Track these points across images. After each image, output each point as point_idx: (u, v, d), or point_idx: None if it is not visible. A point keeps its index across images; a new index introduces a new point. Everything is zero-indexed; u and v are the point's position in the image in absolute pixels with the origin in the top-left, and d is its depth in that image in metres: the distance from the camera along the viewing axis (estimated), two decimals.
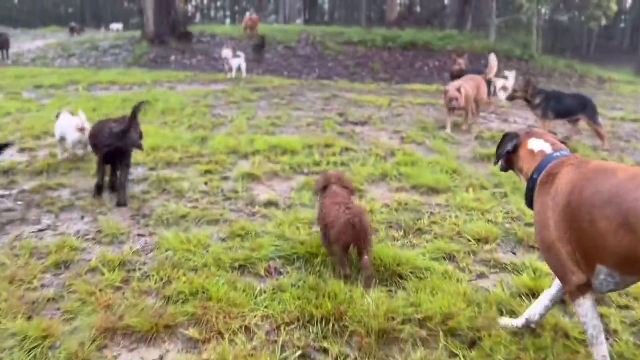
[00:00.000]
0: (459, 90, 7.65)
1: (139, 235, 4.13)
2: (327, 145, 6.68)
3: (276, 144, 6.59)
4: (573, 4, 26.73)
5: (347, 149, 6.60)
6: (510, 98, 7.94)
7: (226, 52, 13.83)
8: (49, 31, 34.68)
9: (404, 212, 4.60)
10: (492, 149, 6.73)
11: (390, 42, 21.28)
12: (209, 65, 16.78)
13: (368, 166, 5.84)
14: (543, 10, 25.37)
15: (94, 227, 4.22)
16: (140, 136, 5.20)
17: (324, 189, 3.73)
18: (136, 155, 5.56)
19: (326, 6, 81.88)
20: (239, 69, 13.66)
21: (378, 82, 14.77)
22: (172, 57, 17.36)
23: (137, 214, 4.56)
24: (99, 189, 4.92)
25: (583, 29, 45.38)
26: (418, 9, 75.45)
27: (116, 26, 41.84)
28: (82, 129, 5.80)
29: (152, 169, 5.88)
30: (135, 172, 5.70)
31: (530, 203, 2.61)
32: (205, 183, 5.40)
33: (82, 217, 4.47)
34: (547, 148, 2.63)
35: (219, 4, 77.41)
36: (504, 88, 10.62)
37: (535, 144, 2.69)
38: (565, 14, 26.68)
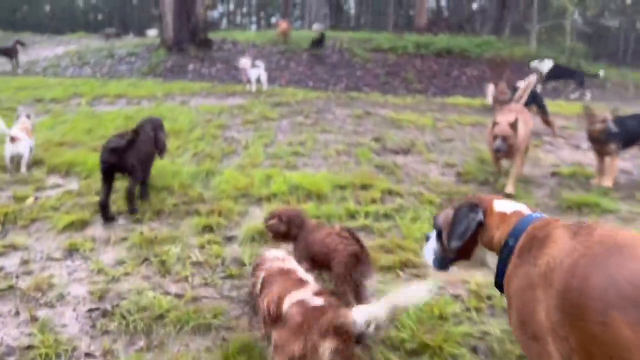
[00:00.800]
0: (513, 126, 5.00)
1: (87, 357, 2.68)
2: (364, 186, 5.16)
3: (298, 184, 5.09)
4: (620, 7, 24.69)
5: (389, 192, 5.06)
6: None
7: (244, 62, 12.28)
8: (76, 37, 33.94)
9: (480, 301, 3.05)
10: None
11: (422, 48, 19.65)
12: (229, 75, 15.41)
13: (422, 221, 4.29)
14: (588, 14, 23.43)
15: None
16: (163, 148, 5.13)
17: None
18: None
19: (352, 11, 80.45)
20: (258, 80, 12.20)
21: (413, 95, 13.20)
22: (191, 66, 16.06)
23: (96, 309, 3.11)
24: (103, 209, 4.51)
25: (619, 33, 42.97)
26: (445, 13, 73.28)
27: (152, 32, 41.11)
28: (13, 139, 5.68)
29: (136, 221, 4.45)
30: (116, 225, 4.31)
31: (501, 281, 1.95)
32: (202, 247, 3.94)
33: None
34: (524, 208, 2.06)
35: (245, 10, 76.67)
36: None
37: (506, 205, 2.09)
38: (612, 18, 24.69)
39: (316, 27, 23.99)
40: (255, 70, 12.21)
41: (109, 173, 4.58)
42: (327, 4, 48.48)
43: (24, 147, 5.77)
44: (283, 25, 21.47)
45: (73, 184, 5.46)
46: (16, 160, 5.78)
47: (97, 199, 4.67)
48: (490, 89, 10.21)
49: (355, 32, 33.66)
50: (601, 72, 15.35)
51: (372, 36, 23.78)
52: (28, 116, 6.40)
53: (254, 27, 76.44)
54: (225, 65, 16.59)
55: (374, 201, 4.80)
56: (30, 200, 4.98)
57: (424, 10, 42.58)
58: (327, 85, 14.92)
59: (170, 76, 14.88)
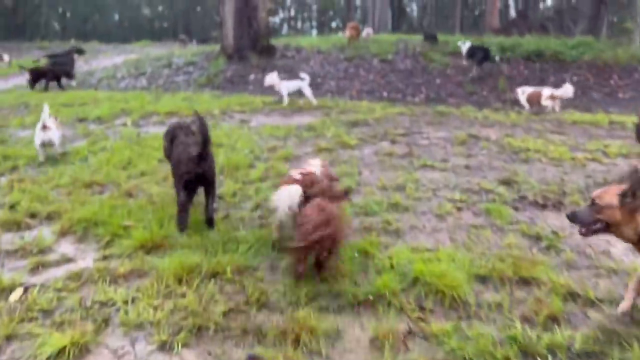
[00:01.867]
0: None
1: None
2: (522, 281, 3.17)
3: (416, 274, 3.17)
4: None
5: (570, 296, 3.04)
6: None
7: (270, 80, 10.48)
8: (140, 46, 33.72)
9: None
10: None
11: (508, 52, 17.20)
12: None
13: None
14: None
15: None
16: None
17: None
18: None
19: (414, 14, 77.62)
20: (302, 94, 10.59)
21: (511, 107, 10.93)
22: (252, 76, 14.46)
23: None
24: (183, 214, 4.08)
25: None
26: (512, 14, 69.21)
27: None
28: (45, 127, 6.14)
29: None
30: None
31: None
32: None
33: None
34: None
35: (305, 15, 75.53)
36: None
37: None
38: None
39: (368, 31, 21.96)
40: (291, 84, 10.51)
41: (193, 186, 4.13)
42: (389, 7, 46.29)
43: (54, 135, 6.27)
44: (351, 28, 19.62)
45: (87, 259, 3.78)
46: (47, 146, 6.36)
47: (114, 295, 2.96)
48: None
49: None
50: None
51: (446, 39, 21.49)
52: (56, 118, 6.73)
53: (314, 32, 75.21)
54: (289, 74, 14.84)
55: (553, 318, 2.80)
56: (15, 294, 3.32)
57: (496, 10, 39.59)
58: (404, 95, 12.88)
59: (230, 88, 13.31)
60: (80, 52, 16.36)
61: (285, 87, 10.51)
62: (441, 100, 12.11)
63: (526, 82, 14.24)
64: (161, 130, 8.16)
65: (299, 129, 8.07)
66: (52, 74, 13.48)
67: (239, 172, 5.64)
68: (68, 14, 60.20)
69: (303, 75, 10.76)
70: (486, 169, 5.57)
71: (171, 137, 4.60)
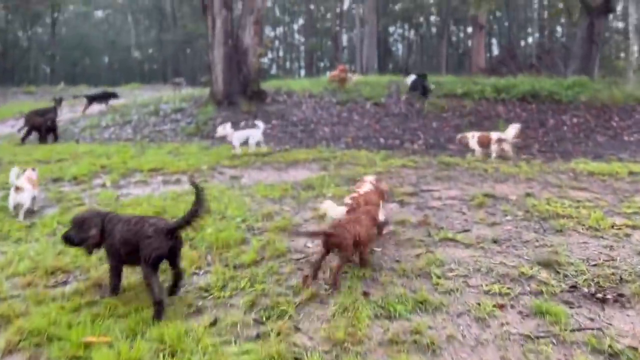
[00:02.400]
0: None
1: None
2: None
3: None
4: None
5: None
6: None
7: (222, 131, 10.06)
8: (129, 89, 33.04)
9: None
10: None
11: (503, 93, 16.73)
12: (286, 134, 12.96)
13: None
14: None
15: None
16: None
17: None
18: None
19: (399, 53, 78.52)
20: (256, 143, 10.14)
21: (519, 156, 10.22)
22: (242, 123, 13.72)
23: None
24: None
25: None
26: (494, 53, 70.18)
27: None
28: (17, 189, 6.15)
29: None
30: None
31: None
32: None
33: None
34: None
35: (294, 55, 76.11)
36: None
37: None
38: None
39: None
40: (242, 133, 10.22)
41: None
42: (376, 47, 46.47)
43: (26, 197, 6.22)
44: (340, 71, 19.11)
45: None
46: (18, 208, 6.22)
47: None
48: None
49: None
50: None
51: (437, 80, 21.10)
52: (34, 169, 6.88)
53: (302, 72, 75.56)
54: (281, 120, 14.19)
55: None
56: None
57: (482, 50, 39.83)
58: (402, 142, 12.17)
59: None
60: (59, 102, 15.59)
61: (238, 137, 10.02)
62: (441, 147, 11.41)
63: (526, 125, 13.68)
64: (143, 191, 7.33)
65: (296, 187, 7.26)
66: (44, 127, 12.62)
67: (230, 251, 4.77)
68: (57, 58, 59.81)
69: (258, 122, 10.24)
70: (518, 243, 4.75)
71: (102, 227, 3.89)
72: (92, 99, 18.22)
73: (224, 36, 15.91)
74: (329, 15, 73.47)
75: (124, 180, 8.07)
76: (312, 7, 55.58)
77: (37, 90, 34.58)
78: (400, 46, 79.39)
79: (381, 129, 13.63)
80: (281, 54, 77.38)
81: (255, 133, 10.10)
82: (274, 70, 67.82)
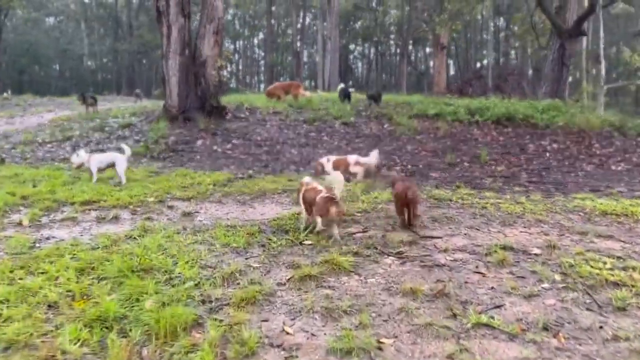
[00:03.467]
0: None
1: None
2: None
3: None
4: None
5: None
6: None
7: (76, 159, 8.57)
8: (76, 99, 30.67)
9: None
10: None
11: (477, 115, 15.81)
12: (249, 155, 11.45)
13: None
14: None
15: None
16: None
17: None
18: None
19: (359, 71, 78.32)
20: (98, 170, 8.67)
21: (510, 188, 9.09)
22: (199, 142, 12.13)
23: None
24: None
25: None
26: (452, 73, 70.90)
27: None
28: None
29: None
30: None
31: None
32: None
33: None
34: None
35: (254, 69, 74.62)
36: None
37: None
38: None
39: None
40: (104, 157, 8.69)
41: None
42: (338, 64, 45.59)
43: None
44: (295, 86, 17.83)
45: None
46: None
47: None
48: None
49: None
50: None
51: (407, 99, 20.11)
52: None
53: (262, 86, 74.03)
54: (243, 140, 12.67)
55: None
56: None
57: (443, 70, 39.52)
58: (378, 168, 10.86)
59: (172, 158, 10.89)
60: None
61: (96, 162, 8.46)
62: (422, 175, 10.18)
63: (507, 151, 12.71)
64: (70, 234, 5.68)
65: (265, 229, 5.78)
66: None
67: (176, 343, 3.24)
68: (3, 65, 56.00)
69: (124, 146, 8.69)
70: (576, 331, 3.43)
71: None
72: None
73: (180, 46, 14.33)
74: (289, 31, 72.56)
75: (47, 217, 6.36)
76: (273, 21, 54.34)
77: None
78: (360, 64, 79.31)
79: (354, 151, 12.31)
80: (241, 67, 75.74)
81: (120, 158, 8.41)
82: (232, 84, 65.99)
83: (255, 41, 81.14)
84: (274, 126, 14.29)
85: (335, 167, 8.53)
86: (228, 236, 5.48)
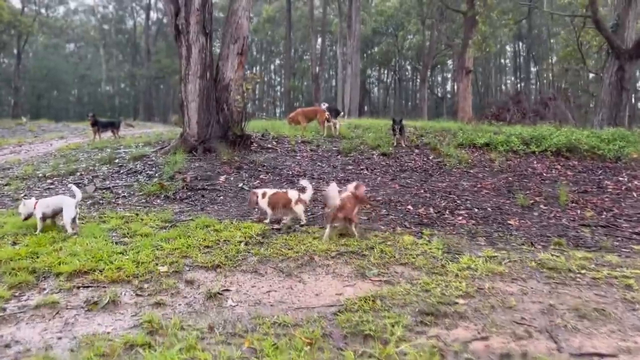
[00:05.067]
0: None
1: None
2: None
3: None
4: None
5: None
6: None
7: (24, 209, 6.66)
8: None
9: None
10: None
11: (533, 145, 13.77)
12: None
13: None
14: None
15: None
16: None
17: None
18: None
19: (374, 96, 76.76)
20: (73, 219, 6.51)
21: (612, 237, 7.03)
22: (222, 178, 10.21)
23: None
24: None
25: None
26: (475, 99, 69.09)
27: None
28: None
29: None
30: None
31: None
32: None
33: None
34: None
35: (271, 94, 73.53)
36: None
37: None
38: None
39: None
40: (52, 201, 6.76)
41: None
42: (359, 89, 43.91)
43: None
44: (321, 111, 15.86)
45: None
46: None
47: None
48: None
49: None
50: None
51: (443, 125, 18.17)
52: None
53: (278, 111, 72.77)
54: (272, 175, 10.73)
55: None
56: None
57: (468, 95, 37.56)
58: (439, 212, 8.77)
59: (192, 199, 8.95)
60: None
61: (42, 208, 6.53)
62: (499, 223, 8.09)
63: (582, 189, 10.61)
64: (43, 334, 3.70)
65: (332, 334, 3.76)
66: None
67: None
68: (23, 90, 55.29)
69: (73, 188, 6.79)
70: None
71: None
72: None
73: (201, 68, 12.56)
74: (305, 56, 71.51)
75: (17, 301, 4.41)
76: (291, 47, 53.13)
77: None
78: (376, 89, 77.83)
79: (402, 189, 10.30)
80: (257, 93, 74.67)
81: (69, 203, 6.51)
82: (249, 109, 64.75)
83: (272, 67, 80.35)
84: (305, 158, 12.37)
85: (272, 204, 7.21)
86: (279, 349, 3.46)
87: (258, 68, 74.08)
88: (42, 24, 55.36)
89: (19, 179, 10.74)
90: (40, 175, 11.04)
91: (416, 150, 13.71)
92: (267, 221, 7.29)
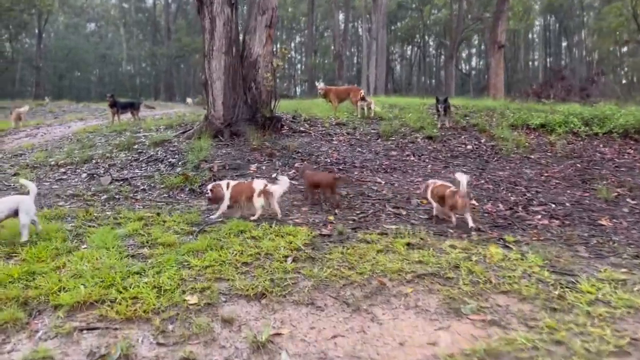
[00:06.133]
0: None
1: None
2: None
3: None
4: None
5: None
6: None
7: None
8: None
9: None
10: None
11: (594, 126, 12.15)
12: None
13: None
14: None
15: None
16: None
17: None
18: None
19: (397, 74, 74.40)
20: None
21: None
22: (253, 167, 8.92)
23: None
24: None
25: None
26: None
27: (191, 100, 35.36)
28: None
29: None
30: None
31: None
32: None
33: None
34: None
35: (292, 72, 71.78)
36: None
37: None
38: None
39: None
40: (3, 204, 5.36)
41: None
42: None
43: None
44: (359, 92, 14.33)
45: None
46: None
47: None
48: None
49: (424, 97, 26.46)
50: None
51: (484, 104, 16.56)
52: None
53: (298, 90, 71.06)
54: (307, 161, 9.40)
55: None
56: None
57: (501, 71, 35.47)
58: (511, 209, 7.37)
59: None
60: None
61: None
62: (586, 223, 6.65)
63: None
64: None
65: None
66: None
67: None
68: (44, 70, 54.59)
69: (26, 182, 5.56)
70: None
71: None
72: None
73: (226, 42, 11.18)
74: (326, 34, 69.36)
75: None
76: (313, 23, 51.16)
77: (9, 105, 29.28)
78: (398, 66, 75.40)
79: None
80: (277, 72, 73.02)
81: (25, 203, 5.22)
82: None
83: (292, 44, 78.33)
84: (342, 143, 10.99)
85: (234, 196, 6.24)
86: None
87: (278, 45, 72.33)
88: (63, 3, 54.29)
89: (29, 168, 9.61)
90: (52, 163, 9.89)
91: (464, 133, 12.21)
92: (215, 216, 6.24)
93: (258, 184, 6.22)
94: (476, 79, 63.27)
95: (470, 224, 5.99)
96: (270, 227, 5.82)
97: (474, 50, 68.93)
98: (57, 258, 4.77)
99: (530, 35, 68.54)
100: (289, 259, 4.74)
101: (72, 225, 5.90)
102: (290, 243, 5.18)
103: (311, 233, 5.62)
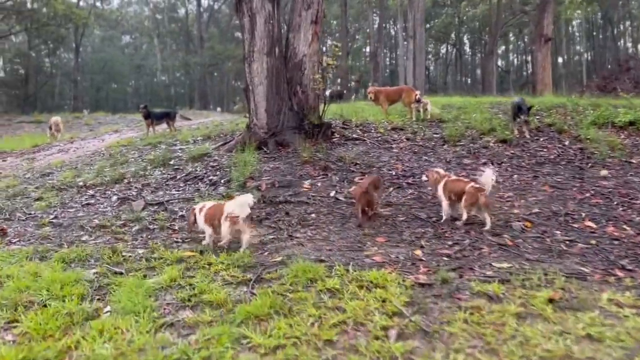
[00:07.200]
0: None
1: None
2: None
3: None
4: None
5: None
6: None
7: None
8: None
9: None
10: None
11: None
12: (394, 207, 6.64)
13: None
14: None
15: None
16: None
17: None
18: None
19: (431, 73, 72.05)
20: None
21: None
22: (307, 183, 7.50)
23: None
24: None
25: None
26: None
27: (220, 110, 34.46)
28: None
29: None
30: None
31: None
32: None
33: None
34: None
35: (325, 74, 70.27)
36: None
37: None
38: None
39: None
40: None
41: None
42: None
43: None
44: (414, 93, 12.66)
45: None
46: None
47: None
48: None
49: (472, 96, 24.51)
50: None
51: (549, 100, 14.73)
52: None
53: (327, 92, 69.65)
54: (367, 173, 7.90)
55: None
56: None
57: (548, 65, 33.19)
58: (618, 224, 5.72)
59: (274, 218, 6.27)
60: None
61: None
62: None
63: None
64: None
65: None
66: None
67: None
68: (82, 83, 55.01)
69: None
70: None
71: None
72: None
73: (268, 42, 9.84)
74: (357, 36, 67.80)
75: None
76: (346, 24, 49.71)
77: (46, 118, 28.96)
78: (432, 65, 73.13)
79: (557, 192, 7.23)
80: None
81: None
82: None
83: (324, 48, 76.99)
84: (404, 150, 9.45)
85: (209, 220, 5.25)
86: None
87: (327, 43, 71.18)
88: (98, 16, 54.61)
89: (54, 190, 8.45)
90: (80, 184, 8.72)
91: (540, 134, 10.50)
92: (205, 242, 5.32)
93: (228, 207, 5.10)
94: (514, 75, 60.54)
95: (488, 225, 5.61)
96: (347, 271, 4.36)
97: (511, 47, 66.07)
98: (69, 331, 3.44)
99: (570, 28, 65.27)
100: (392, 334, 3.26)
101: (95, 272, 4.59)
102: (384, 302, 3.70)
103: (404, 281, 4.14)
